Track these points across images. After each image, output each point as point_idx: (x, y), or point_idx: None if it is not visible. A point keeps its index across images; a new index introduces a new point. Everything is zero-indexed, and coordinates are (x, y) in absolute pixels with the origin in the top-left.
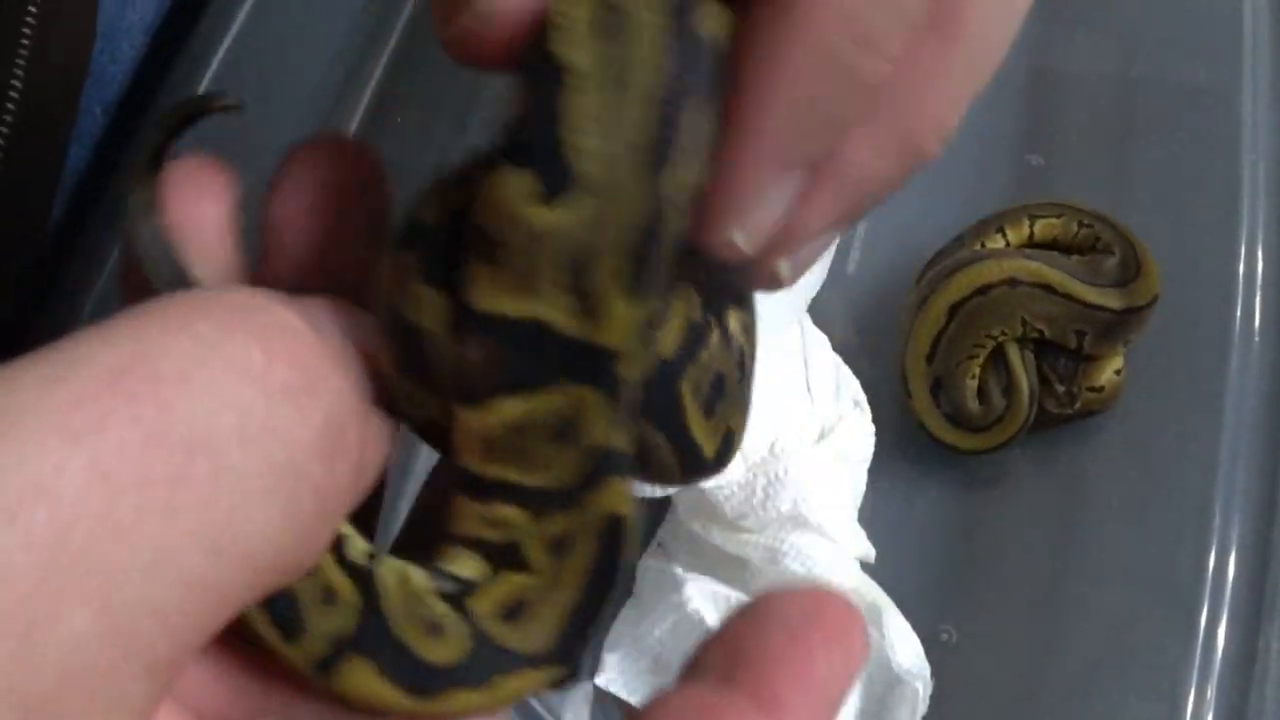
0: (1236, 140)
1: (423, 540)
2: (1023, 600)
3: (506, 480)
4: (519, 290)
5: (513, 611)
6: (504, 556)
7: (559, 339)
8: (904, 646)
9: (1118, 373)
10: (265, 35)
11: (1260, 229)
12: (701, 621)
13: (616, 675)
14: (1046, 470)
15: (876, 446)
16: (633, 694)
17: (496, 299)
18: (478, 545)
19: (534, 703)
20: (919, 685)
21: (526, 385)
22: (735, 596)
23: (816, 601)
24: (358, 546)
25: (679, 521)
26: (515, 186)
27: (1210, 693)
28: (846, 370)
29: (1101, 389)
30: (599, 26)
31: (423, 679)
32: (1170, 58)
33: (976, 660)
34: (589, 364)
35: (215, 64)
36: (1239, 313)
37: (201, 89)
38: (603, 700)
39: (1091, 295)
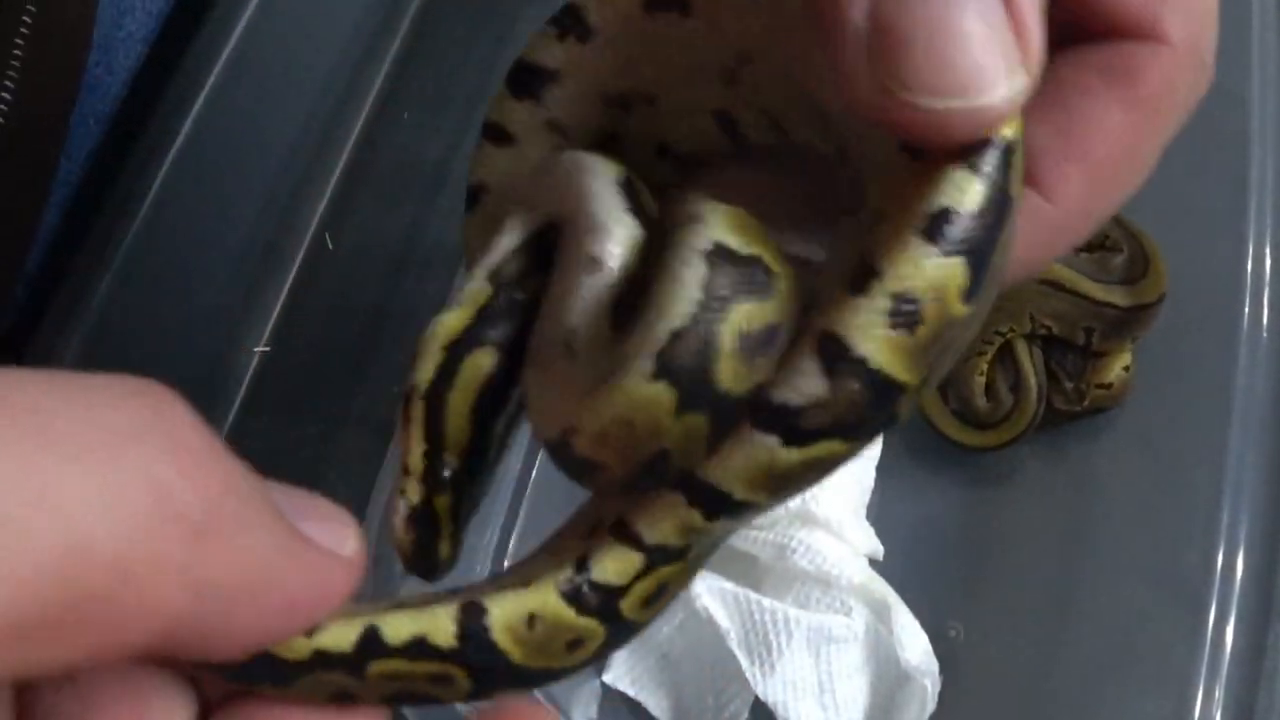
0: (1245, 138)
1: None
2: (1031, 597)
3: (755, 502)
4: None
5: (653, 599)
6: (667, 557)
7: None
8: (912, 643)
9: (1126, 369)
10: (269, 38)
11: (1269, 226)
12: (710, 619)
13: (624, 672)
14: (1055, 467)
15: (885, 444)
16: (640, 691)
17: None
18: (654, 550)
19: (540, 698)
20: (927, 682)
21: (850, 435)
22: (744, 594)
23: None
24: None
25: None
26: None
27: (1219, 689)
28: None
29: (1110, 385)
30: None
31: None
32: None
33: (985, 656)
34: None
35: (219, 66)
36: (1247, 310)
37: (205, 91)
38: (610, 697)
39: (1099, 292)
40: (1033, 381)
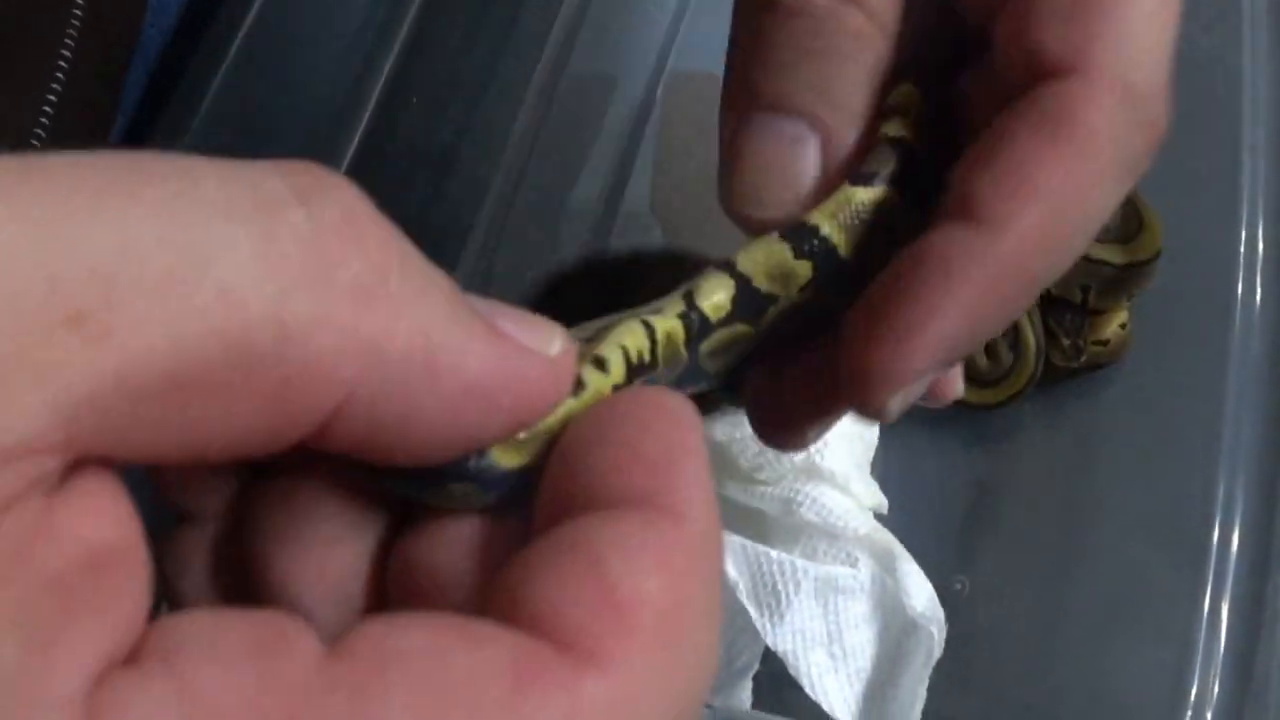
0: (1237, 101)
1: None
2: (1033, 551)
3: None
4: None
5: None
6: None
7: None
8: (918, 592)
9: (1123, 327)
10: (279, 27)
11: (1261, 185)
12: (721, 573)
13: None
14: (1055, 424)
15: None
16: None
17: None
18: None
19: None
20: (934, 629)
21: None
22: (751, 546)
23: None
24: None
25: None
26: None
27: (1219, 638)
28: None
29: (1107, 342)
30: None
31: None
32: None
33: (989, 609)
34: None
35: (229, 57)
36: (1242, 269)
37: (225, 65)
38: None
39: (1095, 250)
40: (1031, 339)
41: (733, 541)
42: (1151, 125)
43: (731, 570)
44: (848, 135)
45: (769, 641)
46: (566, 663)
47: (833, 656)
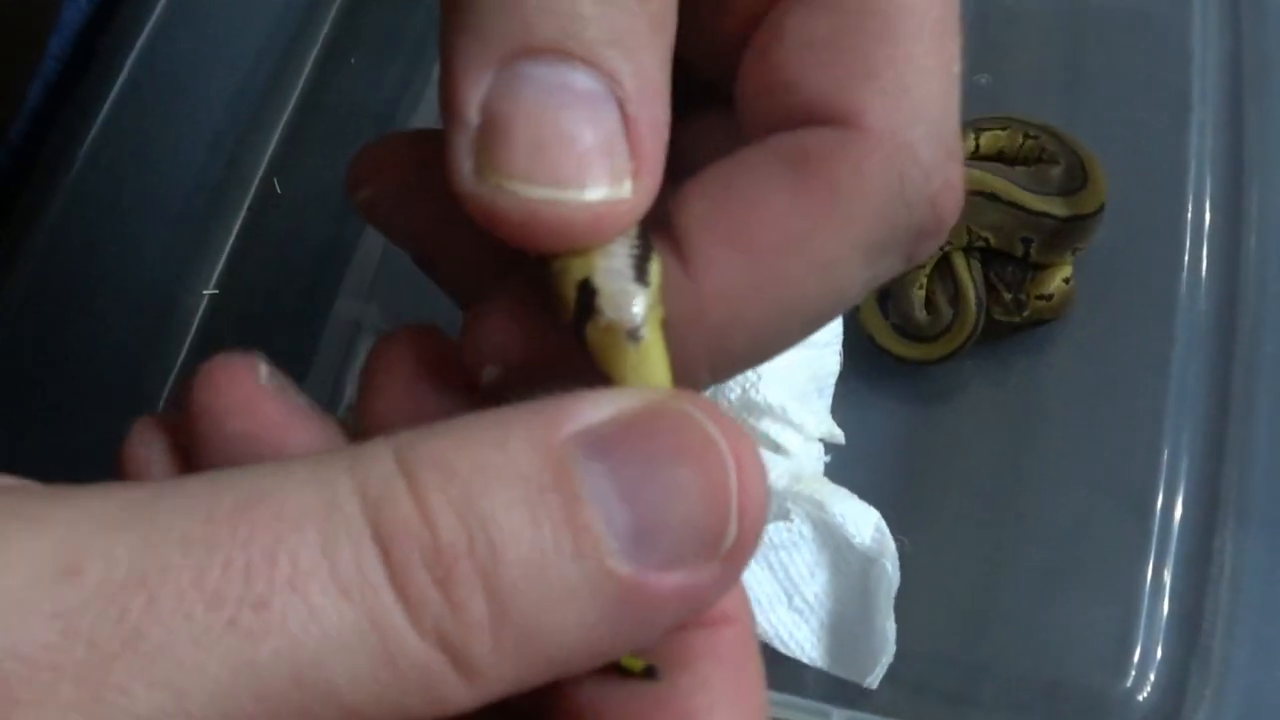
0: (1186, 56)
1: None
2: (978, 508)
3: None
4: None
5: None
6: None
7: None
8: (862, 525)
9: (1067, 281)
10: None
11: (1209, 140)
12: None
13: None
14: (999, 380)
15: None
16: None
17: None
18: None
19: None
20: (887, 563)
21: None
22: None
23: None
24: None
25: None
26: None
27: (1165, 596)
28: None
29: (1050, 297)
30: None
31: None
32: None
33: (934, 568)
34: None
35: (161, 5)
36: (1189, 224)
37: (147, 31)
38: None
39: (1037, 203)
40: (971, 293)
41: None
42: (929, 204)
43: None
44: (649, 108)
45: None
46: None
47: (798, 611)
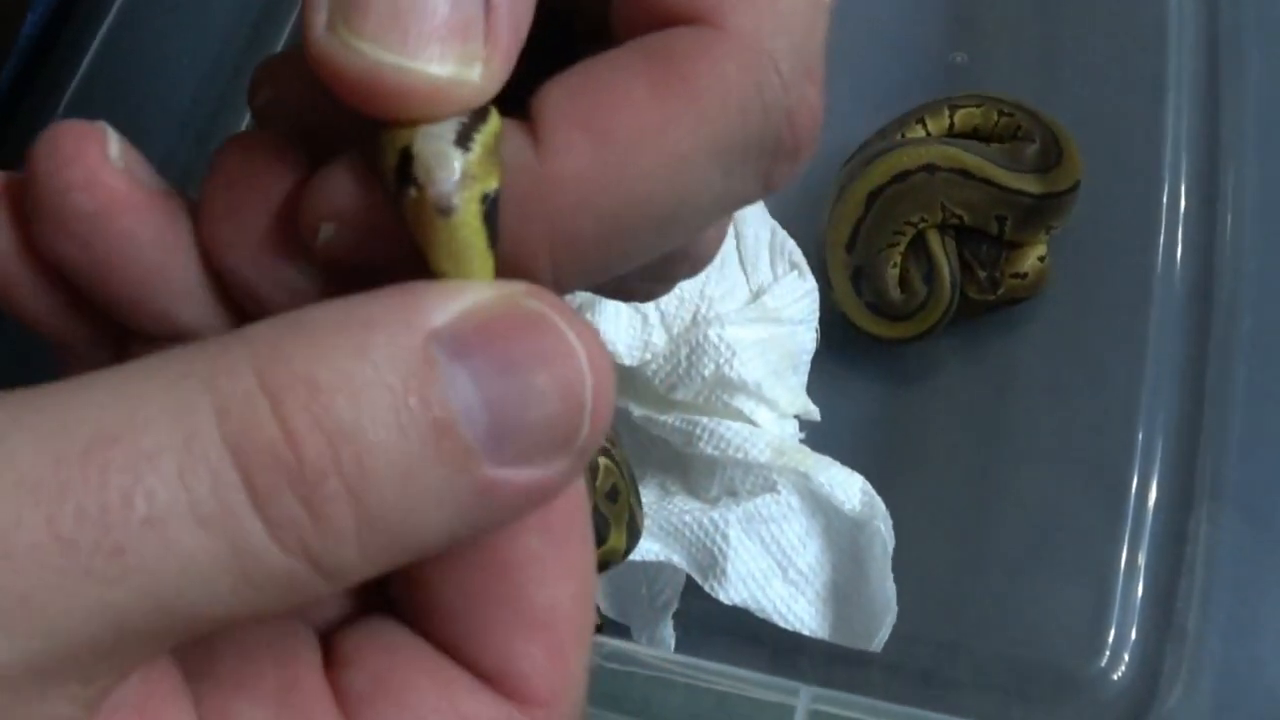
0: (1163, 33)
1: None
2: (952, 488)
3: None
4: None
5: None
6: None
7: None
8: (849, 491)
9: (1041, 259)
10: None
11: (1185, 118)
12: (653, 557)
13: None
14: (974, 359)
15: None
16: None
17: None
18: None
19: None
20: (879, 522)
21: None
22: (665, 512)
23: None
24: None
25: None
26: None
27: (1139, 577)
28: (783, 234)
29: (1025, 275)
30: None
31: None
32: None
33: (908, 547)
34: None
35: None
36: (1165, 202)
37: (115, 8)
38: None
39: (1011, 180)
40: (946, 271)
41: (652, 515)
42: (785, 117)
43: (657, 547)
44: (513, 2)
45: (722, 599)
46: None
47: (793, 583)
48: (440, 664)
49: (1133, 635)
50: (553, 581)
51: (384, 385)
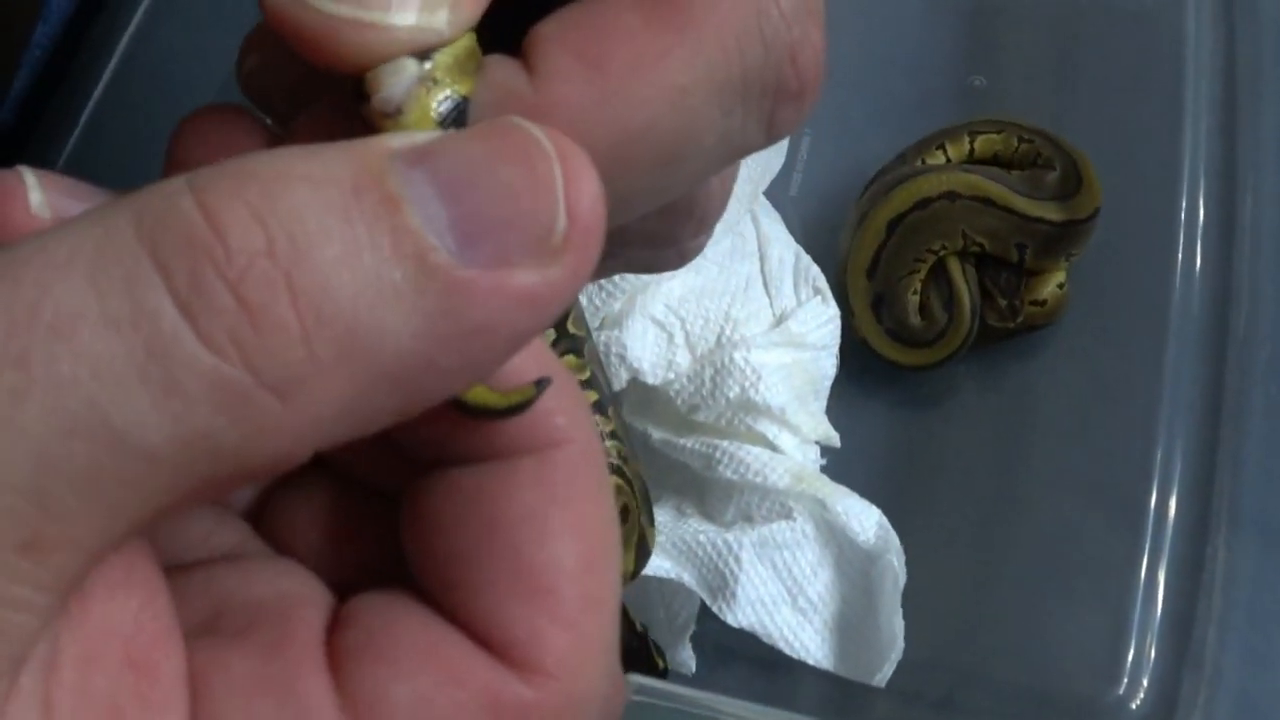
0: (1180, 58)
1: None
2: (970, 514)
3: None
4: None
5: None
6: None
7: None
8: (864, 523)
9: (1061, 287)
10: None
11: (1203, 145)
12: (663, 576)
13: None
14: (992, 385)
15: None
16: None
17: None
18: None
19: None
20: (893, 558)
21: None
22: (679, 534)
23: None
24: None
25: (625, 423)
26: None
27: (1157, 603)
28: (807, 259)
29: (1044, 303)
30: None
31: None
32: None
33: (925, 573)
34: None
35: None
36: (1182, 228)
37: (131, 28)
38: None
39: (1031, 208)
40: (966, 299)
41: (666, 534)
42: (787, 53)
43: (669, 565)
44: None
45: (730, 622)
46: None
47: (801, 611)
48: (437, 626)
49: (1150, 663)
50: (552, 541)
51: (329, 178)
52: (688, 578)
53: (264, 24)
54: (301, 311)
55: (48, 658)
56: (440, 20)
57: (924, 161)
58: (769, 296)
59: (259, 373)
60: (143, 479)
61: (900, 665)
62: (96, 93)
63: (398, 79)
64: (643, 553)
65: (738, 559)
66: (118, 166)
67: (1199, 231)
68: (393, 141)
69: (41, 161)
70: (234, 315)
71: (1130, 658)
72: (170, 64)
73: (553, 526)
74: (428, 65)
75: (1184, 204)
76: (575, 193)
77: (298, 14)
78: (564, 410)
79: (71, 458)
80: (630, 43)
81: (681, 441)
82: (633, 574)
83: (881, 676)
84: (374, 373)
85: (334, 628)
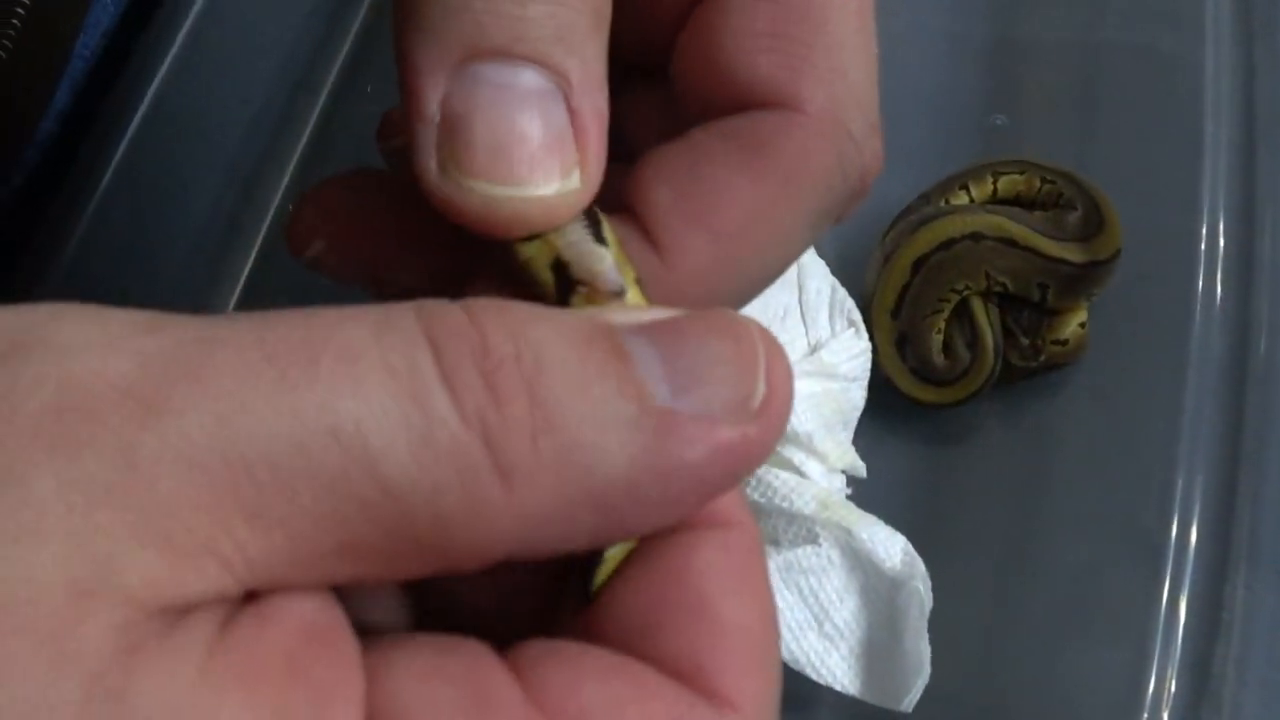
0: (1199, 101)
1: None
2: (989, 553)
3: None
4: None
5: None
6: None
7: None
8: (890, 549)
9: (1082, 326)
10: (231, 9)
11: (1222, 184)
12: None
13: None
14: (1012, 424)
15: None
16: None
17: None
18: None
19: None
20: (918, 584)
21: None
22: None
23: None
24: None
25: None
26: None
27: (1177, 641)
28: (843, 292)
29: (1066, 342)
30: None
31: None
32: (1134, 21)
33: (942, 609)
34: None
35: (180, 37)
36: (1202, 267)
37: (167, 62)
38: None
39: (1054, 249)
40: (989, 338)
41: None
42: (861, 173)
43: None
44: (592, 100)
45: None
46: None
47: (828, 637)
48: (619, 655)
49: (1170, 700)
50: (736, 597)
51: (569, 326)
52: None
53: (310, 209)
54: (536, 415)
55: (226, 617)
56: (575, 181)
57: (947, 201)
58: (805, 326)
59: (493, 451)
60: (371, 506)
61: (921, 699)
62: (129, 135)
63: (606, 266)
64: None
65: None
66: (150, 202)
67: (1218, 271)
68: (615, 316)
69: (89, 172)
70: (483, 396)
71: (1150, 695)
72: (199, 104)
73: (736, 585)
74: (612, 249)
75: (1203, 244)
76: (775, 369)
77: (459, 196)
78: (739, 502)
79: (325, 456)
80: (741, 205)
81: None
82: None
83: (909, 701)
84: (583, 488)
85: (506, 653)
